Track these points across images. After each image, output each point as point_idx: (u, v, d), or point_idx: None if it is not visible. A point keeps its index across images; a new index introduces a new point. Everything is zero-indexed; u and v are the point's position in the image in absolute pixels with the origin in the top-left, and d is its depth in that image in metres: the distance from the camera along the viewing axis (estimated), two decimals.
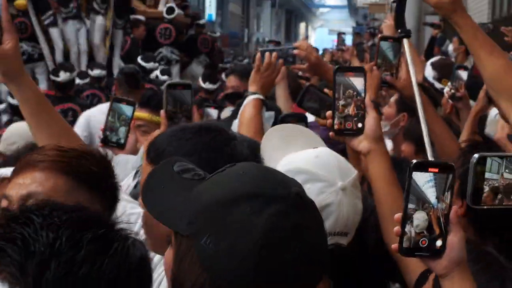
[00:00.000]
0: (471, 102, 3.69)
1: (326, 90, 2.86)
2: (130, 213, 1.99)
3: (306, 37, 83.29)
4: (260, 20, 57.55)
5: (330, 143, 2.00)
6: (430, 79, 4.91)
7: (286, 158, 1.78)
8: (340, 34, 24.27)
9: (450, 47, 7.88)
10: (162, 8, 10.80)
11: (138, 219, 1.85)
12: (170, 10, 10.73)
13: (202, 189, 1.28)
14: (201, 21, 12.88)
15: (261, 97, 2.83)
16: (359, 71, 1.87)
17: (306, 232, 1.23)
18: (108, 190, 1.76)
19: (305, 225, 1.24)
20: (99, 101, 7.80)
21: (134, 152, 2.99)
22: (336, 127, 1.88)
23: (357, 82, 1.86)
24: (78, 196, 1.66)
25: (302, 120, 2.67)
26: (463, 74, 3.75)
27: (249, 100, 2.82)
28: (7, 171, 2.01)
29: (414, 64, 2.46)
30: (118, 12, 9.68)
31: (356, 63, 6.51)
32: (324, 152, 1.78)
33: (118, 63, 9.86)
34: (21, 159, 1.78)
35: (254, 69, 2.88)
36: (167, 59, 11.03)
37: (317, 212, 1.31)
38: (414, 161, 1.45)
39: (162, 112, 2.23)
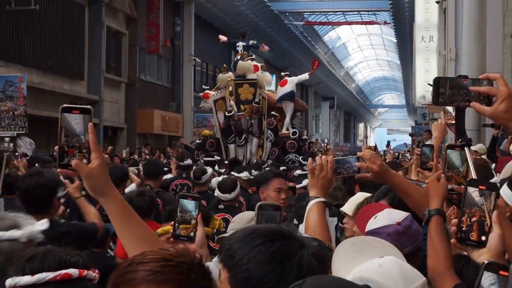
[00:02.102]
0: None
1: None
2: None
3: (365, 137, 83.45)
4: (319, 121, 58.08)
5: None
6: None
7: (355, 268, 1.81)
8: (389, 142, 27.63)
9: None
10: (285, 130, 16.03)
11: None
12: (294, 133, 15.95)
13: None
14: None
15: (322, 199, 2.90)
16: (490, 187, 1.97)
17: None
18: None
19: None
20: (188, 189, 8.65)
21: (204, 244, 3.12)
22: (459, 235, 1.99)
23: (485, 197, 1.94)
24: None
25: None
26: None
27: (312, 205, 2.88)
28: None
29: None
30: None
31: (417, 164, 6.50)
32: (388, 261, 1.80)
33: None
34: (120, 272, 1.64)
35: (309, 174, 2.96)
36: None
37: None
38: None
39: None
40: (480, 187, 1.89)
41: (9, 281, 2.09)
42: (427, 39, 28.08)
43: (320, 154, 2.95)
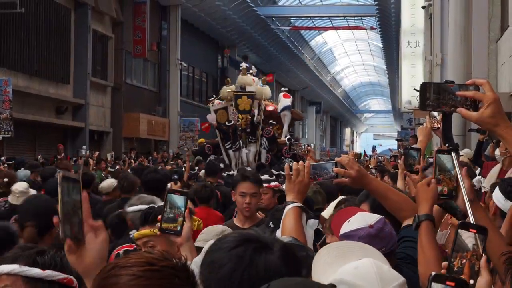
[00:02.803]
0: None
1: None
2: None
3: (352, 142, 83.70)
4: (306, 126, 58.20)
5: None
6: None
7: (335, 272, 1.81)
8: (374, 147, 28.41)
9: (497, 152, 7.82)
10: (283, 137, 17.26)
11: None
12: (289, 140, 17.21)
13: None
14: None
15: (299, 204, 2.93)
16: (481, 231, 1.91)
17: None
18: None
19: None
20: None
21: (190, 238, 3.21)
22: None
23: (478, 239, 1.90)
24: None
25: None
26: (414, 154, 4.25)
27: (288, 209, 2.92)
28: None
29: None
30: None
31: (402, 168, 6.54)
32: (365, 262, 1.80)
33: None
34: (103, 275, 1.62)
35: (286, 179, 3.00)
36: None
37: None
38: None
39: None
40: (470, 230, 1.88)
41: (16, 268, 2.08)
42: (413, 45, 28.19)
43: (302, 154, 2.98)
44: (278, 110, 17.37)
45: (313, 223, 3.10)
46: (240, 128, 16.43)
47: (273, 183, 6.56)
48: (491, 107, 2.11)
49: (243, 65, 17.97)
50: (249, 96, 16.81)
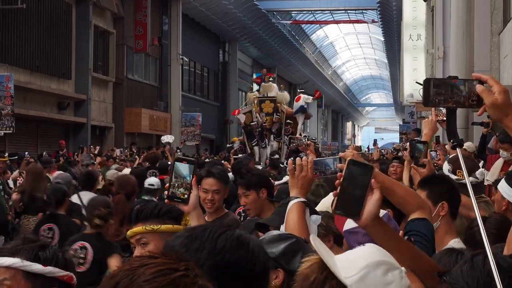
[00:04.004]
0: None
1: None
2: None
3: (353, 136, 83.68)
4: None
5: None
6: (446, 172, 5.01)
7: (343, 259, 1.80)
8: (375, 140, 29.24)
9: (504, 153, 7.76)
10: (298, 134, 20.36)
11: None
12: (304, 137, 19.79)
13: None
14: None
15: (302, 199, 2.91)
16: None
17: None
18: None
19: None
20: None
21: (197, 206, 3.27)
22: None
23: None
24: None
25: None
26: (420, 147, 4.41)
27: (292, 205, 2.90)
28: None
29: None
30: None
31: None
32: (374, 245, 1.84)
33: None
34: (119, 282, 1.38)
35: (290, 175, 2.99)
36: None
37: None
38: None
39: None
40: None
41: (17, 262, 2.05)
42: (415, 38, 28.13)
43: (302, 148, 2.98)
44: (293, 112, 20.68)
45: (316, 218, 3.09)
46: (266, 128, 19.55)
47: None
48: (502, 96, 2.10)
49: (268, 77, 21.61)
50: (271, 101, 20.12)
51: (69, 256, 2.13)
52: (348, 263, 1.75)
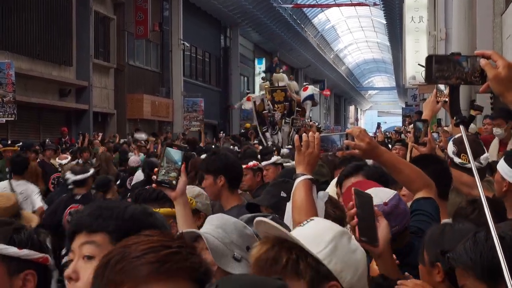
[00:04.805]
0: None
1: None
2: None
3: (356, 120, 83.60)
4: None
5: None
6: (450, 154, 4.98)
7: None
8: (379, 124, 31.48)
9: (498, 130, 7.73)
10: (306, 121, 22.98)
11: None
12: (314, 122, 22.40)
13: None
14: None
15: (309, 176, 2.86)
16: None
17: None
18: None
19: None
20: None
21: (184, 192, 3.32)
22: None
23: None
24: None
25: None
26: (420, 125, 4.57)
27: (298, 182, 2.85)
28: None
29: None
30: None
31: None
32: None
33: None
34: (112, 264, 1.42)
35: (296, 151, 2.93)
36: None
37: None
38: None
39: None
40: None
41: None
42: (417, 20, 27.99)
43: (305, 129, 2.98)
44: (301, 100, 22.55)
45: (323, 194, 3.05)
46: (277, 115, 21.12)
47: (250, 163, 6.39)
48: (505, 70, 2.07)
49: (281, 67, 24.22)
50: (282, 90, 21.95)
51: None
52: (313, 238, 1.79)
